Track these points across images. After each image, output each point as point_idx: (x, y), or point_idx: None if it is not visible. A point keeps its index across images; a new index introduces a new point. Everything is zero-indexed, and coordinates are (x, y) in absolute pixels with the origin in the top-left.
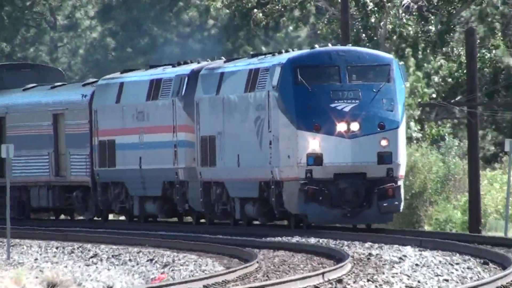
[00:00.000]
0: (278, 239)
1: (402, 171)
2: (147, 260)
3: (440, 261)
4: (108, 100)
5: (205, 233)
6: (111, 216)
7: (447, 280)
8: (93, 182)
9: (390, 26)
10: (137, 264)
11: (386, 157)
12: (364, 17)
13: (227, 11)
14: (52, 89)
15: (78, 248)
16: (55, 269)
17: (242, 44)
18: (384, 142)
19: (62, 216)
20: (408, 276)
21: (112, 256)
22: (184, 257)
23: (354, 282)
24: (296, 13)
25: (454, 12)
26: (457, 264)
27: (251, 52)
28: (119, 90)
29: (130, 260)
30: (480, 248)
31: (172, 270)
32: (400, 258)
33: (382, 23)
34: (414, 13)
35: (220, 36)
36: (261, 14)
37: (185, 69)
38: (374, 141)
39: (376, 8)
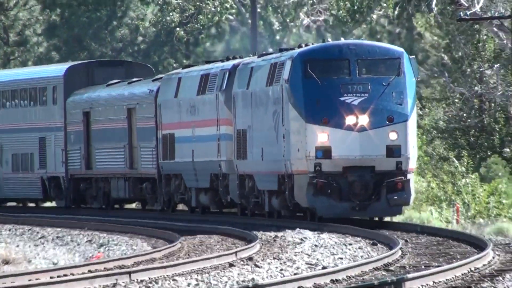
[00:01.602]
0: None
1: (412, 164)
2: (86, 241)
3: (335, 242)
4: (169, 95)
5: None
6: (180, 206)
7: (341, 258)
8: (159, 174)
9: (293, 43)
10: (78, 244)
11: (395, 150)
12: (271, 35)
13: (154, 29)
14: (128, 85)
15: (28, 230)
16: (8, 248)
17: (167, 57)
18: (393, 135)
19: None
20: (308, 255)
21: (58, 235)
22: (118, 236)
23: (262, 260)
24: (213, 31)
25: (347, 30)
26: (350, 244)
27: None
28: (177, 85)
29: (69, 241)
30: (369, 231)
31: (107, 248)
32: (301, 239)
33: (285, 40)
34: (313, 32)
35: (148, 51)
36: (182, 32)
37: (228, 64)
38: (383, 134)
39: (280, 27)
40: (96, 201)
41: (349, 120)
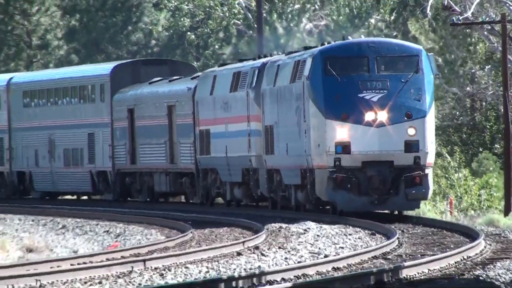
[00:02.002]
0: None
1: (430, 159)
2: (104, 231)
3: (336, 232)
4: (205, 92)
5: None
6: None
7: (342, 248)
8: (196, 169)
9: (297, 46)
10: (96, 234)
11: (413, 146)
12: (276, 39)
13: (166, 33)
14: (169, 82)
15: (50, 221)
16: (32, 238)
17: (178, 60)
18: (411, 131)
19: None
20: (311, 244)
21: (76, 226)
22: (132, 226)
23: (268, 249)
24: (221, 35)
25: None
26: (350, 234)
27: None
28: (212, 82)
29: (85, 231)
30: (369, 222)
31: (123, 238)
32: (305, 230)
33: (290, 43)
34: (315, 36)
35: (161, 53)
36: (193, 36)
37: (258, 62)
38: (401, 129)
39: (284, 32)
40: (141, 194)
41: (368, 116)
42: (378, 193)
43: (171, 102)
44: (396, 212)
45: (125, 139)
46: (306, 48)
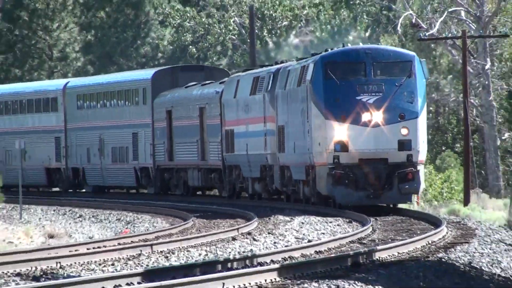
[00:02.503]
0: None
1: (421, 157)
2: (116, 219)
3: (318, 220)
4: (230, 95)
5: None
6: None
7: (323, 233)
8: (223, 165)
9: (285, 59)
10: (109, 222)
11: (406, 144)
12: (266, 52)
13: (171, 47)
14: (201, 86)
15: (69, 211)
16: (54, 225)
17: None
18: (404, 131)
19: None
20: (297, 230)
21: (92, 216)
22: (142, 215)
23: (259, 234)
24: (218, 48)
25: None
26: (330, 222)
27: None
28: (236, 86)
29: (100, 219)
30: (347, 211)
31: (133, 225)
32: (291, 218)
33: (278, 56)
34: (300, 49)
35: (166, 65)
36: (194, 49)
37: (274, 67)
38: (395, 130)
39: (274, 46)
40: (178, 188)
41: (365, 117)
42: (373, 188)
43: (202, 104)
44: (392, 205)
45: (164, 138)
46: (313, 54)
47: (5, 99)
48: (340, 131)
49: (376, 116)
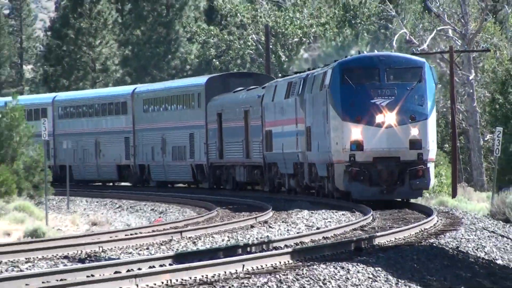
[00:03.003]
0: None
1: (431, 155)
2: (150, 209)
3: (325, 211)
4: (269, 99)
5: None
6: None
7: (330, 222)
8: (264, 162)
9: (296, 69)
10: (144, 211)
11: (416, 144)
12: (280, 64)
13: (197, 60)
14: (247, 91)
15: (110, 202)
16: (97, 214)
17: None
18: (415, 131)
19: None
20: (307, 219)
21: (130, 207)
22: (172, 206)
23: (274, 223)
24: (238, 61)
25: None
26: (336, 212)
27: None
28: (274, 91)
29: (137, 209)
30: (350, 203)
31: (164, 214)
32: (302, 209)
33: (290, 68)
34: (309, 62)
35: (193, 76)
36: (217, 62)
37: (305, 73)
38: (407, 130)
39: (287, 59)
40: (228, 183)
41: (378, 118)
42: (386, 184)
43: (246, 107)
44: (405, 200)
45: (215, 138)
46: (336, 61)
47: (82, 103)
48: (356, 132)
49: (389, 117)
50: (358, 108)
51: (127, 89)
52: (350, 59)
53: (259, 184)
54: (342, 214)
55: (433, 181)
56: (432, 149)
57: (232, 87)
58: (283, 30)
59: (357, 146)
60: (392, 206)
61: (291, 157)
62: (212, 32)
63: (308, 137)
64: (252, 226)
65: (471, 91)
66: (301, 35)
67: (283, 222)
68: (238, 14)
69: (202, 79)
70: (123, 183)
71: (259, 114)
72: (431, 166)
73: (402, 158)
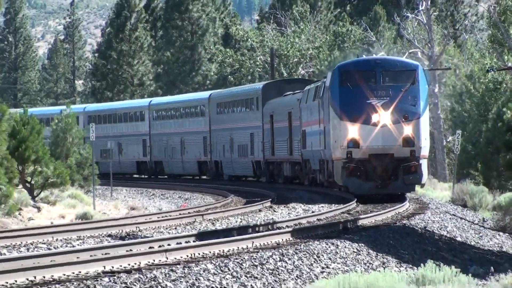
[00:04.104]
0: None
1: (424, 152)
2: (178, 197)
3: (319, 198)
4: (304, 101)
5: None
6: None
7: (323, 207)
8: (302, 159)
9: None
10: (173, 198)
11: (409, 141)
12: None
13: (216, 76)
14: (292, 95)
15: (145, 191)
16: (134, 200)
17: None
18: (408, 130)
19: None
20: (303, 204)
21: (161, 195)
22: (194, 194)
23: (277, 207)
24: (249, 77)
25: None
26: (328, 199)
27: None
28: (307, 94)
29: (167, 197)
30: (338, 192)
31: (189, 201)
32: (300, 196)
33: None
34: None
35: (213, 89)
36: (232, 78)
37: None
38: (400, 129)
39: (288, 76)
40: (280, 177)
41: (374, 118)
42: (381, 179)
43: (289, 109)
44: (399, 194)
45: (269, 137)
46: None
47: (169, 107)
48: (353, 130)
49: (383, 117)
50: (355, 108)
51: (204, 94)
52: (348, 62)
53: (300, 178)
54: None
55: (425, 176)
56: (424, 146)
57: (284, 91)
58: (285, 52)
59: (354, 143)
60: (374, 195)
61: (317, 155)
62: (228, 54)
63: (323, 136)
64: (260, 210)
65: (436, 101)
66: (299, 56)
67: (284, 206)
68: (249, 39)
69: (259, 85)
70: (204, 177)
71: (298, 115)
72: (423, 162)
73: (396, 155)
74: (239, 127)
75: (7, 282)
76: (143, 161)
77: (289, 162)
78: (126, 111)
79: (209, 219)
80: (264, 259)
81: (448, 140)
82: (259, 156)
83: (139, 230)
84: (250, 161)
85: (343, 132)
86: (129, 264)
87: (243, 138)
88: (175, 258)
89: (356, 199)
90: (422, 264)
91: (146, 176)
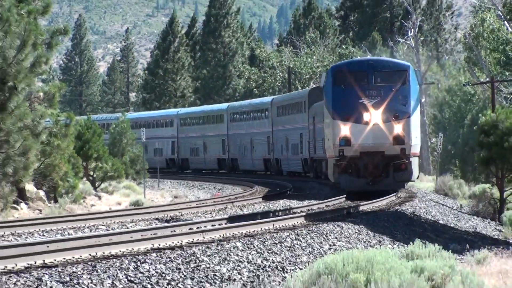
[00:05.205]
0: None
1: (414, 150)
2: (212, 187)
3: (328, 190)
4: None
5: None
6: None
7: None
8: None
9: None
10: (208, 188)
11: (399, 140)
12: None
13: (243, 89)
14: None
15: (186, 182)
16: (177, 190)
17: None
18: (398, 128)
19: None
20: (314, 194)
21: (199, 186)
22: (226, 186)
23: (291, 194)
24: (270, 91)
25: None
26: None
27: None
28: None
29: (204, 188)
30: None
31: (221, 191)
32: (311, 187)
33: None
34: None
35: (241, 100)
36: (256, 91)
37: None
38: (391, 127)
39: (301, 88)
40: (322, 174)
41: (365, 117)
42: (372, 176)
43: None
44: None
45: (312, 137)
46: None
47: (241, 110)
48: (345, 129)
49: (375, 116)
50: (347, 108)
51: (267, 100)
52: (342, 63)
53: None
54: (338, 192)
55: (416, 173)
56: (414, 145)
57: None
58: (300, 70)
59: (346, 142)
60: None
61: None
62: (253, 71)
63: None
64: (280, 198)
65: (422, 109)
66: (311, 73)
67: (299, 195)
68: (270, 60)
69: (306, 90)
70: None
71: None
72: (413, 160)
73: (387, 153)
74: (292, 128)
75: (73, 257)
76: (222, 158)
77: (325, 160)
78: (209, 114)
79: (238, 206)
80: (283, 238)
81: (432, 141)
82: (306, 154)
83: (181, 215)
84: (300, 159)
85: (335, 131)
86: (172, 242)
87: (295, 138)
88: (210, 237)
89: (345, 196)
90: (411, 242)
91: (225, 171)
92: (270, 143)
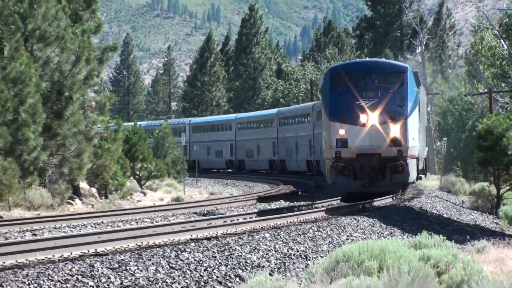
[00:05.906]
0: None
1: (412, 152)
2: (244, 185)
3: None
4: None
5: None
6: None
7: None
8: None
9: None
10: (240, 186)
11: (396, 141)
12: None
13: (271, 99)
14: None
15: (220, 181)
16: (213, 187)
17: None
18: (395, 130)
19: None
20: (326, 194)
21: (232, 184)
22: (256, 183)
23: (315, 192)
24: (295, 100)
25: None
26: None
27: None
28: None
29: (236, 185)
30: None
31: (252, 188)
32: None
33: None
34: None
35: (270, 108)
36: (283, 101)
37: None
38: (387, 129)
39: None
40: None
41: (362, 118)
42: (369, 178)
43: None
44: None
45: (317, 141)
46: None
47: (287, 115)
48: (342, 130)
49: (371, 117)
50: (344, 109)
51: (309, 105)
52: (340, 65)
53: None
54: None
55: (412, 175)
56: (412, 146)
57: None
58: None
59: (342, 143)
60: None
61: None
62: (280, 83)
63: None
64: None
65: (428, 117)
66: None
67: (319, 191)
68: (295, 73)
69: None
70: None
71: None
72: (411, 162)
73: (383, 155)
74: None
75: (121, 246)
76: (273, 159)
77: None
78: (261, 119)
79: (266, 202)
80: (306, 229)
81: (437, 145)
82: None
83: (216, 209)
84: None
85: (332, 132)
86: (209, 233)
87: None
88: (242, 229)
89: (340, 198)
90: (419, 234)
91: (275, 172)
92: (311, 145)
